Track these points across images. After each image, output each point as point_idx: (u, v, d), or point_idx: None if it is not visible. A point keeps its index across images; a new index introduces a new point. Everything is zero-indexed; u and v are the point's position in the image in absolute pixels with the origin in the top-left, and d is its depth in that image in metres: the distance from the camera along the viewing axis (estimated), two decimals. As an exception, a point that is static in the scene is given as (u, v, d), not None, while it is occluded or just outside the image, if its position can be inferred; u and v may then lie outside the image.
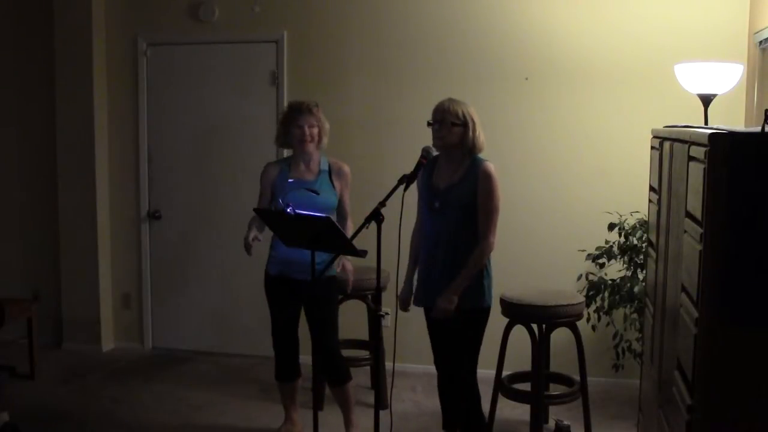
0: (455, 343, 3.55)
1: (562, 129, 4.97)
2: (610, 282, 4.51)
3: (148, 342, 5.78)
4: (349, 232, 3.76)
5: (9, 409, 4.14)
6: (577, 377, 4.18)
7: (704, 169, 2.13)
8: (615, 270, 4.58)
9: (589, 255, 4.60)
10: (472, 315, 3.50)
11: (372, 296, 4.50)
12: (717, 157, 2.07)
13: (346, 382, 3.99)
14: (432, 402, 4.37)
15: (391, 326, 3.55)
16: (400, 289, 3.72)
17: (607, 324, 4.62)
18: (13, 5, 5.79)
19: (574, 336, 4.08)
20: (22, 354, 5.13)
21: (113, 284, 5.80)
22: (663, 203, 3.04)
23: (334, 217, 3.84)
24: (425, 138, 3.54)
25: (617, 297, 4.45)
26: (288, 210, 3.24)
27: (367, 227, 3.46)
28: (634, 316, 4.45)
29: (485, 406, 3.78)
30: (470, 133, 3.48)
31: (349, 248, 3.22)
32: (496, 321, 3.80)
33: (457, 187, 3.49)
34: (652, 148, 3.43)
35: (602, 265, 4.59)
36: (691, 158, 2.38)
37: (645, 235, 4.22)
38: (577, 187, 4.96)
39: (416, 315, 3.74)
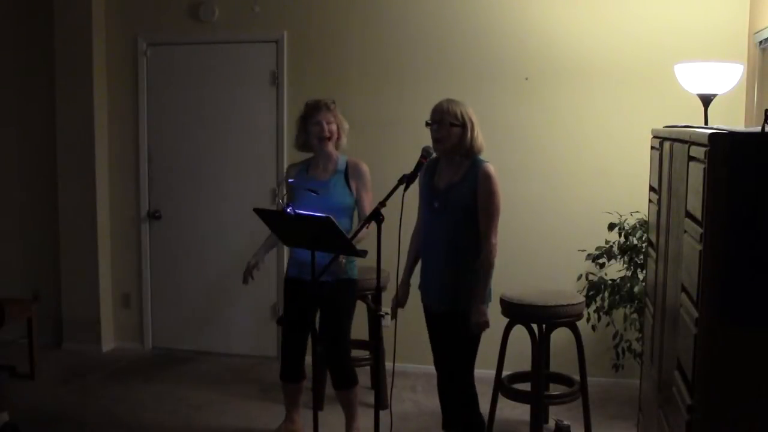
0: (453, 343, 3.55)
1: (562, 129, 4.97)
2: (610, 282, 4.51)
3: (148, 342, 5.78)
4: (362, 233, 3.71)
5: (9, 409, 4.14)
6: (577, 377, 4.18)
7: (704, 169, 2.13)
8: (615, 270, 4.58)
9: (589, 255, 4.60)
10: (468, 316, 3.50)
11: (372, 296, 4.50)
12: (717, 157, 2.07)
13: (352, 386, 3.97)
14: (432, 402, 4.37)
15: (391, 326, 3.55)
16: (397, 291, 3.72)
17: (607, 324, 4.62)
18: (13, 5, 5.79)
19: (574, 336, 4.08)
20: (22, 354, 5.13)
21: (113, 284, 5.80)
22: (663, 203, 3.04)
23: (349, 218, 3.80)
24: (425, 138, 3.54)
25: (617, 297, 4.45)
26: (288, 210, 3.23)
27: (368, 227, 3.48)
28: (634, 316, 4.45)
29: (485, 406, 3.78)
30: (469, 134, 3.48)
31: (349, 248, 3.22)
32: (496, 321, 3.80)
33: (456, 188, 3.49)
34: (652, 148, 3.43)
35: (602, 265, 4.59)
36: (691, 158, 2.38)
37: (645, 235, 4.22)
38: (577, 187, 4.96)
39: (416, 315, 3.73)
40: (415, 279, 3.71)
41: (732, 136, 2.08)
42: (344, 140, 3.99)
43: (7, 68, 5.83)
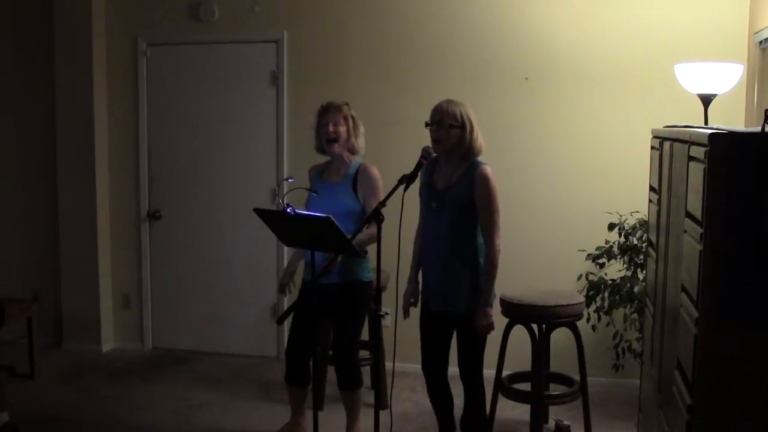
0: (463, 344, 3.56)
1: (562, 129, 4.97)
2: (610, 282, 4.51)
3: (148, 342, 5.78)
4: (365, 237, 3.65)
5: (9, 409, 4.14)
6: (577, 377, 4.18)
7: (704, 169, 2.13)
8: (615, 270, 4.58)
9: (589, 255, 4.60)
10: (469, 318, 3.50)
11: (372, 296, 4.49)
12: (717, 157, 2.07)
13: (357, 387, 3.95)
14: (432, 402, 4.37)
15: (391, 326, 3.55)
16: (403, 290, 3.72)
17: (607, 324, 4.62)
18: (13, 5, 5.79)
19: (574, 336, 4.08)
20: (22, 354, 5.13)
21: (113, 284, 5.80)
22: (663, 203, 3.04)
23: (355, 223, 3.73)
24: (425, 138, 3.54)
25: (617, 297, 4.45)
26: (288, 210, 3.23)
27: (368, 227, 3.48)
28: (634, 316, 4.45)
29: (485, 407, 3.78)
30: (468, 135, 3.48)
31: (348, 248, 3.22)
32: (496, 321, 3.79)
33: (453, 188, 3.49)
34: (652, 148, 3.43)
35: (602, 265, 4.59)
36: (691, 158, 2.38)
37: (645, 235, 4.22)
38: (577, 187, 4.96)
39: (416, 315, 3.73)
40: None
41: (732, 136, 2.08)
42: (359, 143, 3.92)
43: (7, 68, 5.83)
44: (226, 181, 5.55)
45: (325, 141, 3.90)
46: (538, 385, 4.02)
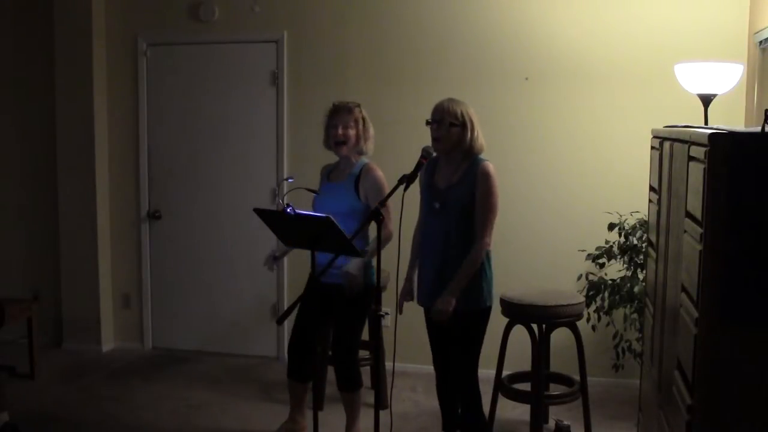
0: (456, 344, 3.55)
1: (562, 129, 4.97)
2: (610, 282, 4.51)
3: (148, 342, 5.78)
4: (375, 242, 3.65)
5: (9, 409, 4.14)
6: (577, 377, 4.18)
7: (704, 169, 2.13)
8: (615, 270, 4.58)
9: (589, 255, 4.60)
10: (472, 316, 3.50)
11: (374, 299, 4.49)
12: (717, 157, 2.07)
13: (356, 388, 3.95)
14: (432, 402, 4.37)
15: (391, 326, 3.55)
16: (401, 290, 3.72)
17: (607, 324, 4.62)
18: (13, 5, 5.79)
19: (574, 336, 4.08)
20: (22, 354, 5.13)
21: (113, 284, 5.80)
22: (663, 203, 3.03)
23: (358, 223, 3.72)
24: (425, 138, 3.54)
25: (617, 297, 4.45)
26: (288, 210, 3.23)
27: (367, 227, 3.47)
28: (634, 316, 4.45)
29: (485, 407, 3.78)
30: (468, 134, 3.48)
31: (348, 248, 3.22)
32: (496, 321, 3.80)
33: (456, 188, 3.49)
34: (652, 148, 3.43)
35: (602, 265, 4.59)
36: (691, 158, 2.38)
37: (645, 235, 4.22)
38: (577, 187, 4.96)
39: (416, 315, 3.74)
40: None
41: (732, 136, 2.08)
42: (368, 146, 3.91)
43: (7, 68, 5.83)
44: (226, 181, 5.55)
45: (333, 143, 3.89)
46: (538, 385, 4.01)
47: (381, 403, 3.84)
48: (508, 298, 4.04)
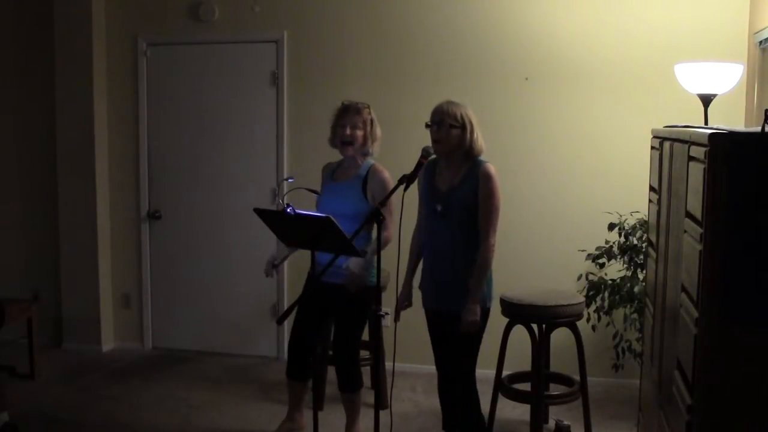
0: (455, 345, 3.55)
1: (562, 129, 4.97)
2: (610, 282, 4.51)
3: (148, 342, 5.78)
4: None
5: (9, 409, 4.14)
6: (577, 377, 4.18)
7: (704, 169, 2.13)
8: (615, 270, 4.58)
9: (589, 255, 4.60)
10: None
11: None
12: (717, 157, 2.07)
13: (357, 389, 3.95)
14: (432, 402, 4.37)
15: (391, 326, 3.55)
16: (399, 291, 3.72)
17: (607, 324, 4.62)
18: (13, 5, 5.79)
19: (574, 336, 4.08)
20: (22, 354, 5.13)
21: (113, 284, 5.80)
22: (663, 203, 3.03)
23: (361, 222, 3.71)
24: (425, 138, 3.54)
25: (617, 297, 4.45)
26: (288, 210, 3.23)
27: (369, 227, 3.47)
28: (634, 316, 4.45)
29: (485, 406, 3.78)
30: (468, 136, 3.48)
31: (348, 248, 3.21)
32: (496, 321, 3.80)
33: (458, 190, 3.49)
34: (652, 148, 3.43)
35: (602, 265, 4.59)
36: (691, 158, 2.38)
37: (645, 235, 4.22)
38: (578, 187, 4.96)
39: (416, 315, 3.73)
40: (416, 280, 3.71)
41: (732, 136, 2.08)
42: (375, 148, 3.89)
43: (6, 68, 5.83)
44: (226, 180, 5.55)
45: (339, 142, 3.87)
46: (538, 385, 4.01)
47: (381, 403, 3.84)
48: (508, 298, 4.04)
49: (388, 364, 3.94)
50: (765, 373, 2.07)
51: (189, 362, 5.49)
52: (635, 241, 4.44)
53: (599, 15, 4.86)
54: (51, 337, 5.78)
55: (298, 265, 5.19)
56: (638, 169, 4.44)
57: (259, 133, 5.45)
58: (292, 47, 5.35)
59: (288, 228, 3.41)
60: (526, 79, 4.99)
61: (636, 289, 4.33)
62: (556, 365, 4.50)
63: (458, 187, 3.49)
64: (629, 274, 4.45)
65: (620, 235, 4.51)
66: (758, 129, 2.10)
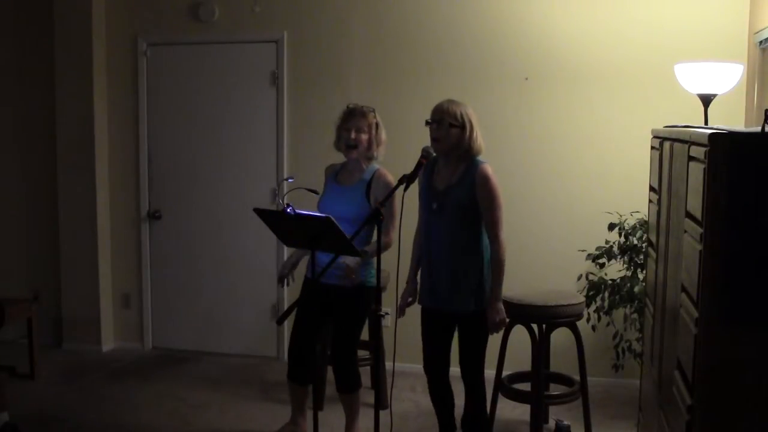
0: (465, 344, 3.56)
1: (562, 129, 4.97)
2: (610, 282, 4.51)
3: (148, 342, 5.78)
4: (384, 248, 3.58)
5: (9, 409, 4.14)
6: (577, 377, 4.18)
7: (704, 169, 2.12)
8: (615, 270, 4.58)
9: (589, 255, 4.60)
10: (475, 317, 3.50)
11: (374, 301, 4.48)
12: (717, 157, 2.06)
13: (355, 390, 3.95)
14: (432, 402, 4.37)
15: (391, 326, 3.55)
16: (401, 290, 3.72)
17: (607, 324, 4.62)
18: (13, 5, 5.79)
19: (574, 336, 4.08)
20: (22, 354, 5.13)
21: (113, 284, 5.80)
22: (663, 203, 3.03)
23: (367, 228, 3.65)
24: (425, 138, 3.54)
25: (617, 297, 4.45)
26: (288, 210, 3.23)
27: (369, 228, 3.47)
28: (634, 316, 4.45)
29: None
30: (468, 135, 3.48)
31: (349, 248, 3.21)
32: (497, 321, 3.79)
33: (454, 189, 3.49)
34: (652, 148, 3.43)
35: (602, 265, 4.59)
36: (691, 158, 2.38)
37: (645, 235, 4.22)
38: (577, 187, 4.96)
39: (417, 315, 3.73)
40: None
41: (732, 136, 2.08)
42: (380, 152, 3.87)
43: (7, 68, 5.83)
44: (226, 181, 5.55)
45: (344, 145, 3.85)
46: (538, 385, 4.02)
47: (381, 403, 3.84)
48: (508, 298, 4.04)
49: (388, 364, 3.95)
50: (765, 373, 2.07)
51: (189, 362, 5.49)
52: (635, 241, 4.44)
53: (599, 15, 4.86)
54: (51, 337, 5.78)
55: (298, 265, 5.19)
56: (638, 169, 4.44)
57: (259, 133, 5.45)
58: (292, 47, 5.35)
59: (288, 228, 3.41)
60: (526, 79, 4.99)
61: (636, 289, 4.33)
62: (556, 365, 4.50)
63: (455, 186, 3.50)
64: (629, 274, 4.45)
65: (620, 235, 4.51)
66: (758, 129, 2.10)
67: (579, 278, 4.79)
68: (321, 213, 3.41)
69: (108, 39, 5.63)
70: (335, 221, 3.10)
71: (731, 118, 4.43)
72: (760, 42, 4.15)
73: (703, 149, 2.15)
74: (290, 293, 5.43)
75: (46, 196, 5.77)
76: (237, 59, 5.48)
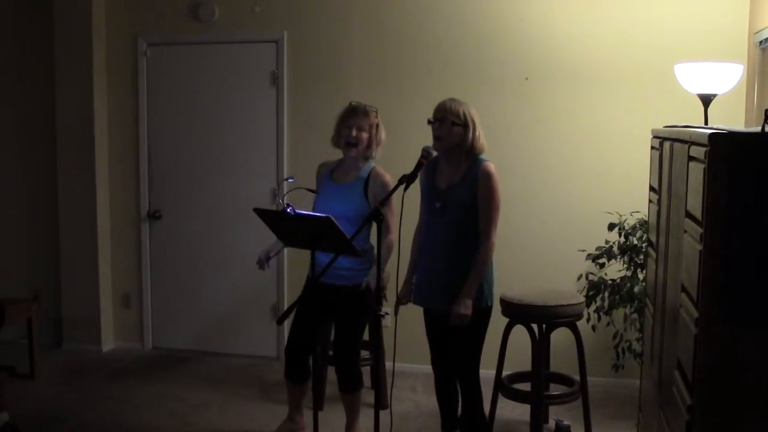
0: (457, 345, 3.55)
1: (562, 129, 4.97)
2: (610, 282, 4.51)
3: (148, 342, 5.78)
4: (385, 251, 3.59)
5: (9, 409, 4.14)
6: (577, 377, 4.18)
7: (704, 169, 2.13)
8: (615, 270, 4.58)
9: (589, 255, 4.60)
10: (473, 316, 3.50)
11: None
12: (717, 157, 2.07)
13: (357, 390, 3.95)
14: (432, 402, 4.36)
15: (391, 326, 3.55)
16: (399, 289, 3.72)
17: (607, 324, 4.62)
18: (13, 5, 5.79)
19: (574, 336, 4.08)
20: (22, 354, 5.13)
21: (113, 284, 5.80)
22: (663, 203, 3.03)
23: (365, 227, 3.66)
24: (425, 138, 3.54)
25: (617, 297, 4.45)
26: (288, 210, 3.23)
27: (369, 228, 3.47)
28: (634, 316, 4.45)
29: (485, 407, 3.78)
30: (470, 134, 3.48)
31: (349, 249, 3.21)
32: (496, 321, 3.80)
33: (457, 188, 3.49)
34: (652, 148, 3.43)
35: (602, 265, 4.59)
36: (691, 158, 2.38)
37: (645, 235, 4.22)
38: (578, 187, 4.96)
39: (417, 315, 3.74)
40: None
41: (732, 136, 2.08)
42: (378, 152, 3.87)
43: (7, 68, 5.83)
44: (226, 181, 5.55)
45: (344, 143, 3.85)
46: (538, 385, 4.01)
47: (381, 403, 3.84)
48: (508, 298, 4.04)
49: (388, 364, 3.94)
50: (765, 373, 2.07)
51: (189, 362, 5.49)
52: (635, 241, 4.44)
53: (599, 15, 4.86)
54: (51, 337, 5.78)
55: (298, 265, 5.20)
56: (638, 169, 4.44)
57: (259, 133, 5.45)
58: (291, 47, 5.35)
59: (288, 228, 3.41)
60: (527, 79, 4.99)
61: (636, 289, 4.33)
62: (556, 365, 4.50)
63: (457, 184, 3.49)
64: (629, 274, 4.45)
65: (620, 235, 4.50)
66: (758, 129, 2.10)
67: (579, 278, 4.79)
68: (318, 211, 3.41)
69: (108, 39, 5.63)
70: (335, 221, 3.10)
71: (731, 118, 4.43)
72: (760, 42, 4.15)
73: (703, 149, 2.15)
74: (290, 293, 5.44)
75: (46, 196, 5.77)
76: (237, 59, 5.48)
